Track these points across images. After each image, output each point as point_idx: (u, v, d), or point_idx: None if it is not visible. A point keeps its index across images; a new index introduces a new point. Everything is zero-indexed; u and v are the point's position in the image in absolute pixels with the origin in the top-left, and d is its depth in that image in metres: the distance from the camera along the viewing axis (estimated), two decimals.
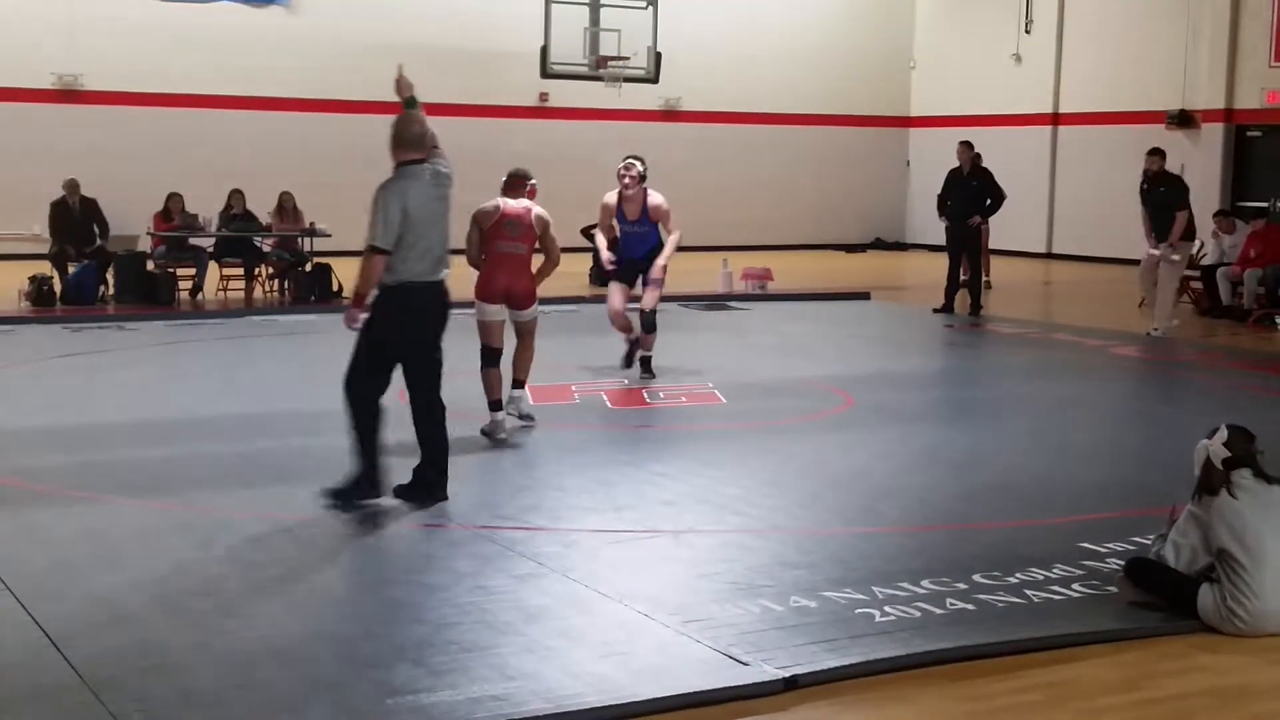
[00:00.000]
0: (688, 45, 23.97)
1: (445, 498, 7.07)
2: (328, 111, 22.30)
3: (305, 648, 5.00)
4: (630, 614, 5.38)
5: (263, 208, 16.92)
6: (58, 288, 15.41)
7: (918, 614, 5.40)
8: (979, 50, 26.15)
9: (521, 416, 9.00)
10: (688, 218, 24.44)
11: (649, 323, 10.58)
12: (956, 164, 16.45)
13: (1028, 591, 5.70)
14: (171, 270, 15.94)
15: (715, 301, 16.96)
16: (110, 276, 15.73)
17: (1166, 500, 6.07)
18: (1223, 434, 5.48)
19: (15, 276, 15.64)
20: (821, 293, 18.09)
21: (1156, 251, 14.50)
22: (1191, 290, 17.12)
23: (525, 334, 9.00)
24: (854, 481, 7.72)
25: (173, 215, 16.44)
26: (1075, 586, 5.78)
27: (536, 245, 8.90)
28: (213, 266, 16.32)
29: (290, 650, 4.98)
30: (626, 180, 10.49)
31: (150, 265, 15.99)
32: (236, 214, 16.61)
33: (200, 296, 16.09)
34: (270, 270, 16.69)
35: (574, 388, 10.36)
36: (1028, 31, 25.38)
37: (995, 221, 17.35)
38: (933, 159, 24.15)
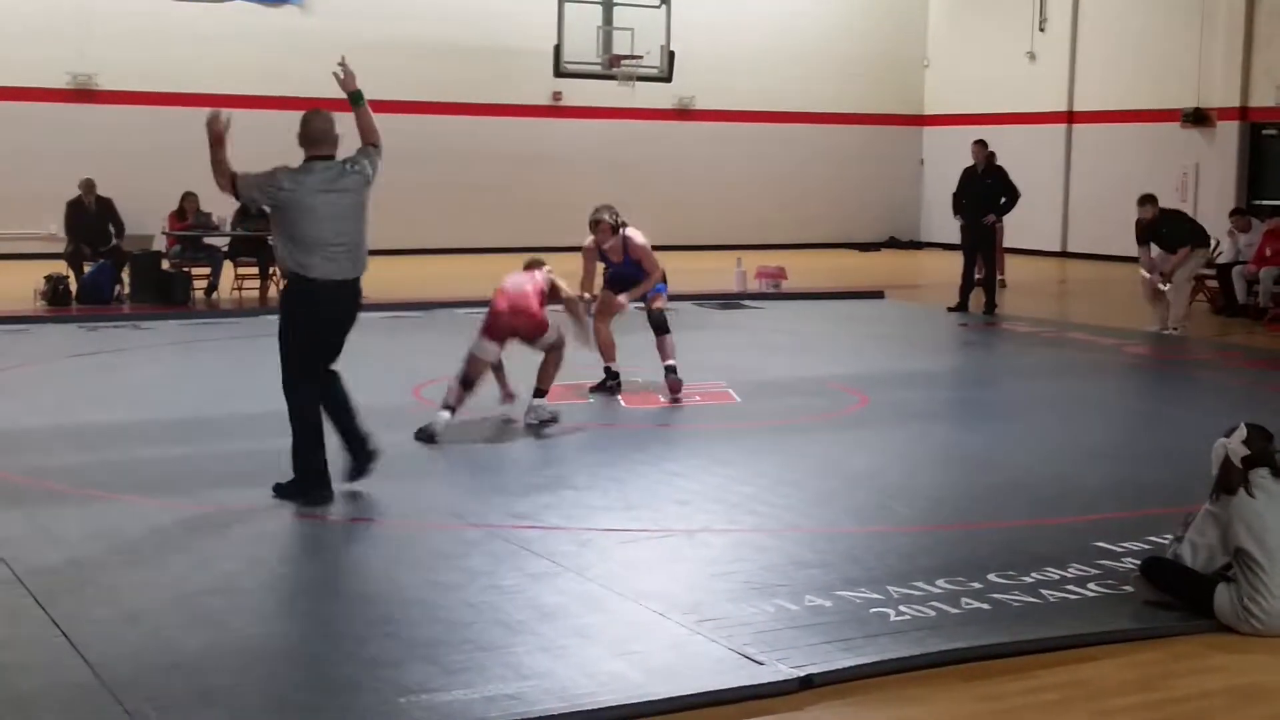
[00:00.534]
0: (701, 44, 23.94)
1: (367, 470, 7.14)
2: (340, 111, 22.31)
3: (319, 646, 5.01)
4: (645, 613, 5.38)
5: None
6: (73, 287, 15.45)
7: (932, 613, 5.39)
8: (993, 48, 26.10)
9: (541, 422, 8.96)
10: (701, 216, 24.76)
11: (658, 321, 10.20)
12: (971, 162, 16.42)
13: (1043, 591, 5.68)
14: (186, 270, 15.98)
15: (729, 300, 16.94)
16: (125, 276, 15.78)
17: (1182, 499, 6.06)
18: (1241, 432, 5.45)
19: (31, 276, 15.68)
20: (836, 292, 18.07)
21: (1150, 276, 14.55)
22: (1207, 289, 17.06)
23: (548, 349, 9.02)
24: (868, 480, 7.70)
25: (187, 215, 16.48)
26: (1091, 586, 5.76)
27: (544, 297, 9.07)
28: (227, 266, 16.34)
29: (304, 649, 4.99)
30: (598, 238, 10.08)
31: (165, 265, 16.02)
32: (251, 214, 16.63)
33: (215, 296, 16.13)
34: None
35: (588, 387, 10.35)
36: (1042, 29, 25.32)
37: (1010, 220, 17.32)
38: (947, 157, 24.13)
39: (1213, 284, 16.99)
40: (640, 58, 21.45)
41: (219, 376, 11.25)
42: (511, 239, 21.26)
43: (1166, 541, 5.88)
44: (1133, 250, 15.31)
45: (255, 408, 9.39)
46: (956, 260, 16.81)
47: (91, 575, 5.79)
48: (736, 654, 4.93)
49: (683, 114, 25.51)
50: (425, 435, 8.44)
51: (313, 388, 7.02)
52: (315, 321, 6.99)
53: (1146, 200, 14.81)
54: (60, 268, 15.78)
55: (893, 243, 27.48)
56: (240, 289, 16.48)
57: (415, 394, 10.02)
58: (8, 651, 4.90)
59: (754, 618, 5.32)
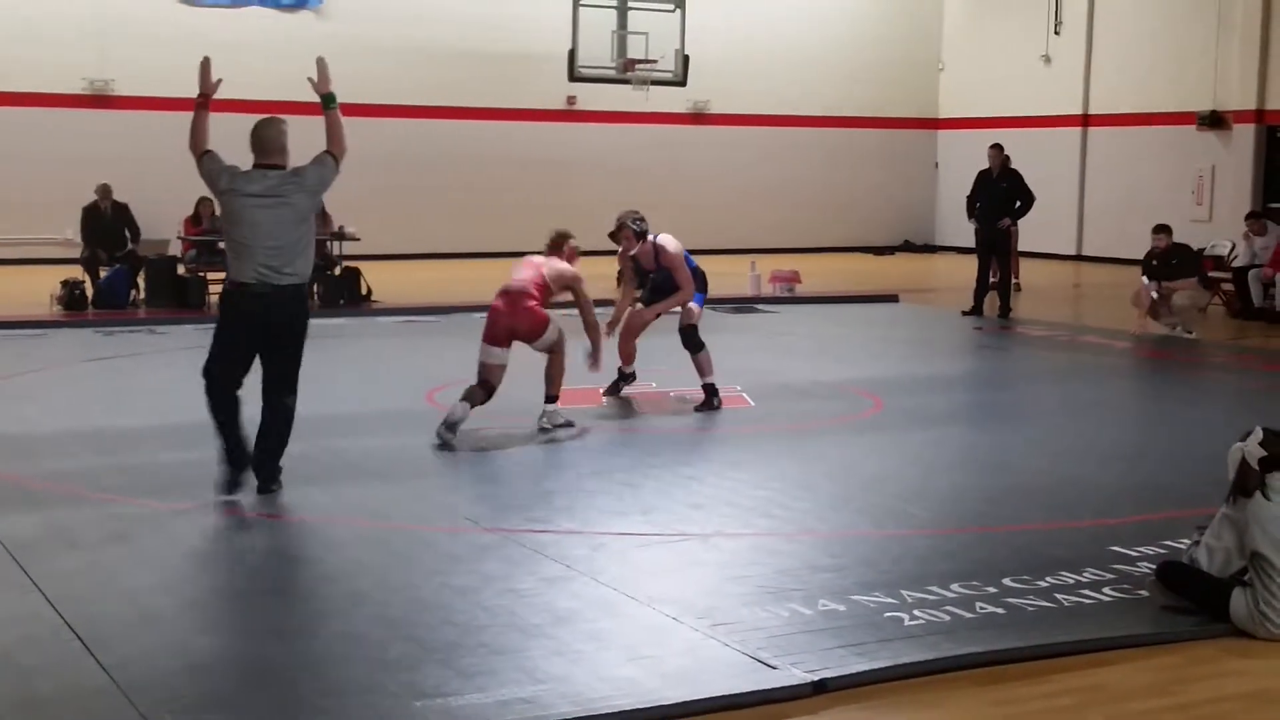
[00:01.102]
0: (715, 48, 23.95)
1: (270, 490, 7.14)
2: (357, 116, 22.31)
3: (334, 649, 5.01)
4: (659, 617, 5.38)
5: None
6: (89, 292, 15.51)
7: (947, 618, 5.38)
8: (1008, 51, 26.04)
9: (556, 427, 8.92)
10: (716, 220, 24.76)
11: (686, 340, 9.87)
12: (986, 166, 16.41)
13: (1058, 595, 5.67)
14: (202, 274, 16.01)
15: (743, 304, 16.95)
16: (141, 281, 15.83)
17: (1198, 503, 6.04)
18: (1258, 434, 5.43)
19: (47, 281, 15.74)
20: (850, 295, 18.05)
21: (1147, 285, 14.52)
22: (1223, 293, 17.01)
23: (550, 352, 8.95)
24: (883, 484, 7.69)
25: (203, 219, 16.52)
26: (1106, 590, 5.74)
27: (547, 292, 8.94)
28: None
29: (319, 651, 5.00)
30: (623, 246, 9.95)
31: (181, 269, 16.08)
32: None
33: None
34: None
35: (601, 390, 10.35)
36: (1057, 32, 25.26)
37: (1025, 224, 17.29)
38: (961, 161, 24.08)
39: (1229, 288, 16.94)
40: (655, 62, 21.46)
41: None
42: (525, 243, 21.04)
43: (1182, 545, 5.86)
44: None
45: None
46: (971, 264, 16.79)
47: (107, 578, 5.80)
48: (750, 658, 4.93)
49: (697, 118, 25.52)
50: (447, 425, 8.46)
51: (224, 371, 7.07)
52: (233, 323, 7.11)
53: (1162, 229, 14.77)
54: (76, 273, 15.84)
55: (907, 246, 27.44)
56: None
57: (429, 399, 10.04)
58: (24, 654, 4.92)
59: (768, 622, 5.32)
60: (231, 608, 5.47)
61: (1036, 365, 12.96)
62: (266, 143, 7.09)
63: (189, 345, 13.15)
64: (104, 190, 16.37)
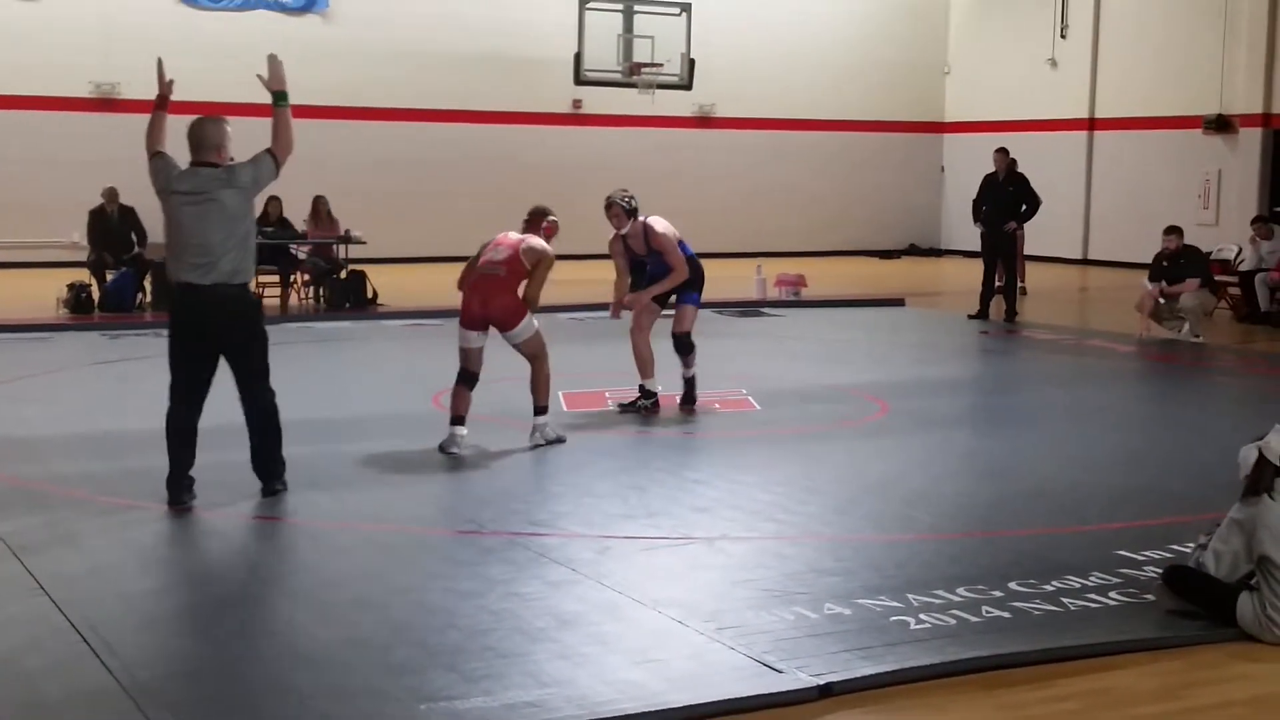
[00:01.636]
0: (721, 52, 23.97)
1: (275, 491, 7.15)
2: (363, 119, 22.41)
3: (339, 653, 5.01)
4: (664, 621, 5.38)
5: (298, 215, 17.02)
6: (96, 295, 15.53)
7: (953, 622, 5.37)
8: (1014, 55, 26.04)
9: (548, 442, 8.62)
10: (721, 224, 24.76)
11: (679, 345, 9.91)
12: (992, 170, 16.40)
13: (1064, 599, 5.66)
14: None
15: (749, 308, 16.94)
16: (148, 284, 15.83)
17: (1204, 507, 6.03)
18: (1278, 434, 5.38)
19: (54, 284, 15.76)
20: (856, 299, 18.04)
21: (1152, 287, 14.49)
22: (1229, 297, 16.99)
23: (528, 356, 8.62)
24: (888, 488, 7.68)
25: None
26: (1112, 594, 5.74)
27: (523, 272, 8.57)
28: None
29: (324, 656, 5.00)
30: (613, 224, 9.81)
31: None
32: (272, 221, 16.71)
33: None
34: (305, 277, 16.77)
35: (607, 394, 10.35)
36: (1063, 36, 25.25)
37: (1031, 227, 17.27)
38: (967, 165, 24.08)
39: (1235, 292, 16.92)
40: (660, 65, 21.50)
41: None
42: None
43: (1188, 549, 5.85)
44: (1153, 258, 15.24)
45: None
46: (977, 267, 16.78)
47: (113, 582, 5.81)
48: (756, 662, 4.93)
49: (703, 121, 25.53)
50: (443, 450, 8.38)
51: (179, 404, 7.09)
52: (173, 327, 7.15)
53: (1173, 231, 14.75)
54: (83, 276, 15.86)
55: (913, 250, 27.44)
56: (261, 296, 16.49)
57: (434, 402, 10.04)
58: (31, 657, 4.93)
59: (773, 625, 5.31)
60: (236, 611, 5.47)
61: (1042, 369, 12.95)
62: (199, 140, 7.01)
63: None
64: (110, 194, 16.38)
